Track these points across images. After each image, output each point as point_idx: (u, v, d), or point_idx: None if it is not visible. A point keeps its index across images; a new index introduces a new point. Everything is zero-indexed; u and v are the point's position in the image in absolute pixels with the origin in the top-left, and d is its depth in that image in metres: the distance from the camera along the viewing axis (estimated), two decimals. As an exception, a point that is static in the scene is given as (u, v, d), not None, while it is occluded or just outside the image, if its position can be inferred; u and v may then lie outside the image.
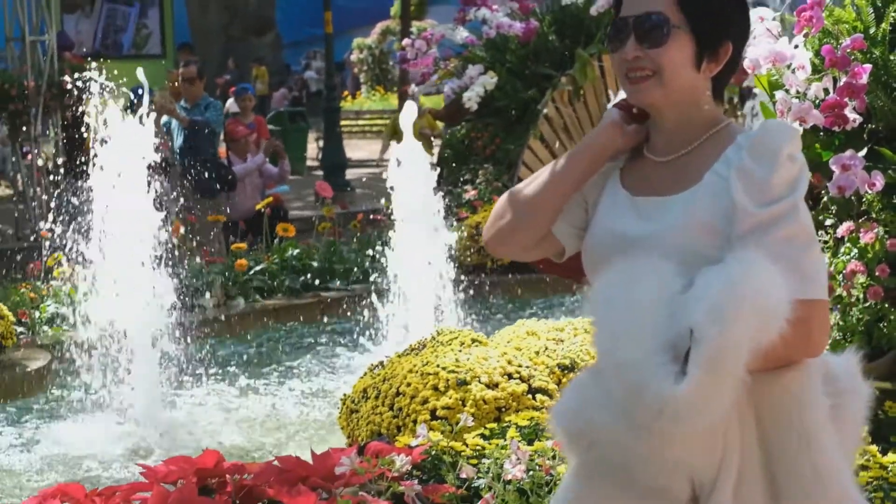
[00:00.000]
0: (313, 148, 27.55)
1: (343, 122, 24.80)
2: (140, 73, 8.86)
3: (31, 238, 16.83)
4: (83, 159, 19.51)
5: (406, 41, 15.09)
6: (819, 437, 2.81)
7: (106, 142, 8.73)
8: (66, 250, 11.27)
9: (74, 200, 16.07)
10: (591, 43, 13.90)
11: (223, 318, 10.85)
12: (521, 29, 13.90)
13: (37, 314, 10.44)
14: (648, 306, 2.71)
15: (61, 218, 16.97)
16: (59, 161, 17.93)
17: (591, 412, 2.78)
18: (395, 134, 19.27)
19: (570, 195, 3.11)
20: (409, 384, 6.03)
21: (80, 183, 15.84)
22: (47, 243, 11.77)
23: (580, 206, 3.15)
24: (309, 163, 26.17)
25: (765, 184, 2.81)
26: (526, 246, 3.18)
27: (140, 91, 14.79)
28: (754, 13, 5.63)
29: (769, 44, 5.53)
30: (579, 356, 6.46)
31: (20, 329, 9.90)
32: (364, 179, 22.65)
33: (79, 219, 8.97)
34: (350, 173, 23.24)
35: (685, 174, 2.97)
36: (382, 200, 10.82)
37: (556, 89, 12.73)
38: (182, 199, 11.51)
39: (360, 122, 31.02)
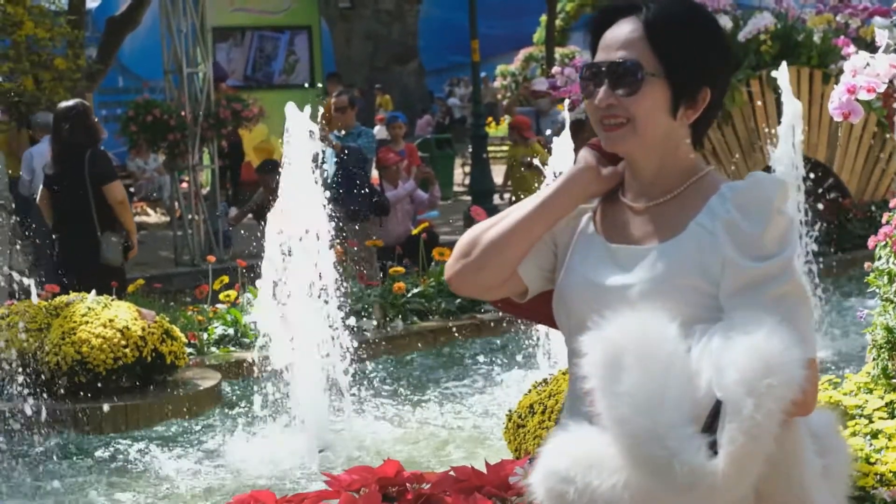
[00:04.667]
0: (458, 173, 27.83)
1: (489, 148, 24.94)
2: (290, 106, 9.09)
3: (191, 263, 17.37)
4: (238, 187, 20.07)
5: (556, 69, 15.31)
6: (817, 495, 2.78)
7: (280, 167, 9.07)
8: (234, 273, 11.72)
9: (238, 226, 16.55)
10: (739, 69, 14.07)
11: (383, 339, 11.15)
12: (668, 57, 14.04)
13: (205, 336, 10.83)
14: (664, 371, 2.61)
15: (223, 242, 17.53)
16: (216, 188, 18.48)
17: (589, 476, 2.66)
18: (515, 162, 19.53)
19: (540, 237, 3.01)
20: (574, 400, 6.21)
21: (246, 211, 16.24)
22: (211, 267, 12.18)
23: (549, 247, 3.05)
24: (454, 188, 26.45)
25: (756, 239, 2.74)
26: (490, 286, 3.06)
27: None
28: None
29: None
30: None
31: (189, 350, 10.24)
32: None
33: (250, 242, 9.28)
34: (497, 198, 23.40)
35: (665, 223, 2.88)
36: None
37: (705, 114, 12.86)
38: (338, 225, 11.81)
39: (504, 148, 31.22)
